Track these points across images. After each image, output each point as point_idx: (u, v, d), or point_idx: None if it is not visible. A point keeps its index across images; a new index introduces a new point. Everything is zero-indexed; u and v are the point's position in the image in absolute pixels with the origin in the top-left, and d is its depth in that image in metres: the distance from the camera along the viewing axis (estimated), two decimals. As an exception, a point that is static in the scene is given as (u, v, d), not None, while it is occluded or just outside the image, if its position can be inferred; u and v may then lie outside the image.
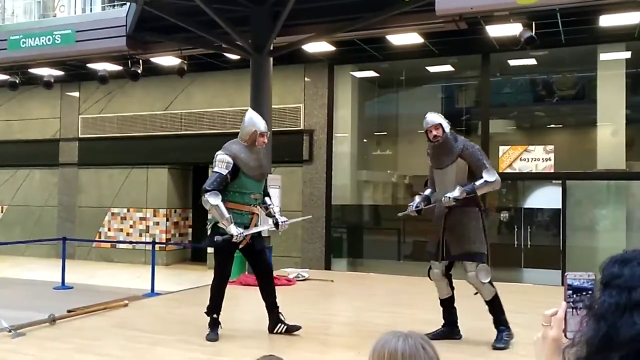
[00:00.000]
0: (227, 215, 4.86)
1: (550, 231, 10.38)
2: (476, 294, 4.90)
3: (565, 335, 1.11)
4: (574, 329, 1.09)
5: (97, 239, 13.35)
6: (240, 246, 5.13)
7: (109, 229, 13.45)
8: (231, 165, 4.95)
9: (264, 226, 5.49)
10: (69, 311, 5.96)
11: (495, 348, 4.78)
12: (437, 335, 4.92)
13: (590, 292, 1.10)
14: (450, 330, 5.01)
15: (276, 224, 5.27)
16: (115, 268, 12.41)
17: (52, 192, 14.21)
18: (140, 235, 13.03)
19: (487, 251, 4.91)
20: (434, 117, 5.03)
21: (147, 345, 4.87)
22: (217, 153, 5.06)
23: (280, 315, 5.22)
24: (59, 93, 13.88)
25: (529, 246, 10.13)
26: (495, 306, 4.85)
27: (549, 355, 1.12)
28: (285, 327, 5.20)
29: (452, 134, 5.00)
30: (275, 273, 7.72)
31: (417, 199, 5.14)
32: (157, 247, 10.65)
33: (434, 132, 4.96)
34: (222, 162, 4.96)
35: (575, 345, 1.00)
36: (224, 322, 5.24)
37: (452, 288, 5.04)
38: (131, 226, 13.23)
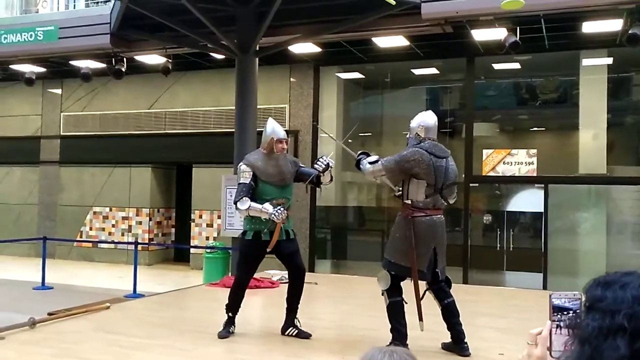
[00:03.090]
0: (261, 206, 5.08)
1: (532, 234, 10.47)
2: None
3: (551, 354, 1.12)
4: (558, 348, 1.10)
5: (78, 238, 13.21)
6: (268, 250, 5.21)
7: (91, 228, 13.31)
8: (251, 174, 5.19)
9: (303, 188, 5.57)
10: (49, 314, 5.88)
11: None
12: (445, 347, 4.90)
13: (574, 311, 1.10)
14: (453, 344, 4.83)
15: (317, 176, 5.19)
16: (97, 268, 12.29)
17: (33, 191, 14.03)
18: (123, 234, 12.92)
19: (394, 259, 4.77)
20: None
21: (128, 350, 4.82)
22: (239, 164, 5.36)
23: (297, 320, 5.33)
24: (40, 90, 13.70)
25: (511, 249, 10.21)
26: (389, 316, 4.79)
27: None
28: (297, 331, 5.29)
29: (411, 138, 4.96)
30: (258, 275, 7.72)
31: None
32: (139, 247, 10.56)
33: None
34: (243, 173, 5.24)
35: None
36: (201, 324, 5.29)
37: (439, 299, 4.87)
38: (113, 225, 13.10)
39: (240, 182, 5.20)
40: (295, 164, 5.45)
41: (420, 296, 4.86)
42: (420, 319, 4.82)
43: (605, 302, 0.98)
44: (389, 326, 4.78)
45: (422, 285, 4.92)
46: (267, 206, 5.07)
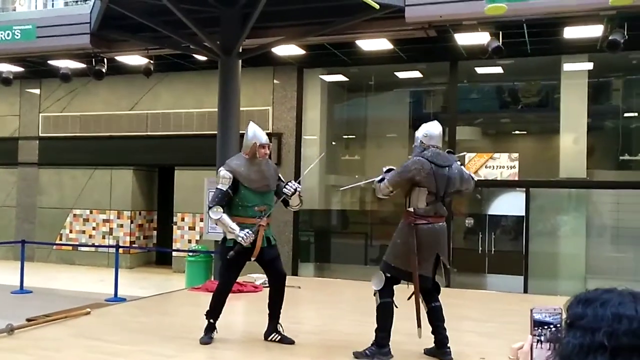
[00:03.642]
0: (231, 224, 4.98)
1: (513, 237, 10.55)
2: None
3: None
4: None
5: (58, 241, 13.00)
6: (253, 258, 5.14)
7: (71, 231, 13.12)
8: (230, 181, 5.08)
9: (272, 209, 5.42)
10: (28, 320, 5.77)
11: (353, 353, 4.76)
12: (428, 352, 4.93)
13: (555, 326, 1.13)
14: (436, 349, 4.86)
15: (283, 194, 5.16)
16: (77, 271, 12.11)
17: (11, 192, 13.79)
18: (104, 237, 12.76)
19: (394, 263, 4.79)
20: None
21: (109, 356, 4.75)
22: (219, 169, 5.24)
23: (279, 325, 5.28)
24: (18, 90, 13.48)
25: (492, 252, 10.28)
26: (377, 316, 4.81)
27: None
28: (280, 337, 5.24)
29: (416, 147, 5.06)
30: (241, 279, 7.66)
31: None
32: (120, 250, 10.43)
33: None
34: (222, 178, 5.12)
35: None
36: (184, 329, 5.28)
37: (427, 302, 4.90)
38: (94, 228, 12.93)
39: (218, 187, 5.12)
40: (276, 172, 5.41)
41: (409, 297, 4.87)
42: (419, 325, 4.85)
43: (586, 319, 0.99)
44: (375, 326, 4.80)
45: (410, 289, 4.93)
46: (235, 227, 4.96)
